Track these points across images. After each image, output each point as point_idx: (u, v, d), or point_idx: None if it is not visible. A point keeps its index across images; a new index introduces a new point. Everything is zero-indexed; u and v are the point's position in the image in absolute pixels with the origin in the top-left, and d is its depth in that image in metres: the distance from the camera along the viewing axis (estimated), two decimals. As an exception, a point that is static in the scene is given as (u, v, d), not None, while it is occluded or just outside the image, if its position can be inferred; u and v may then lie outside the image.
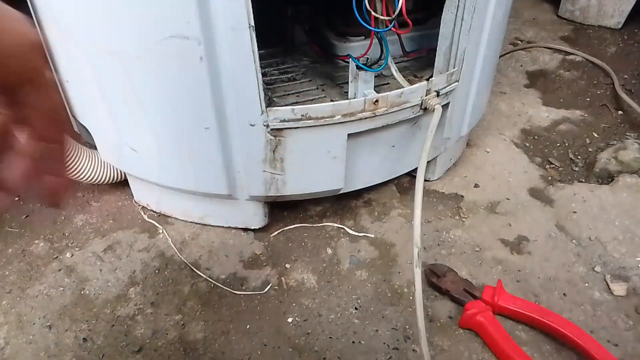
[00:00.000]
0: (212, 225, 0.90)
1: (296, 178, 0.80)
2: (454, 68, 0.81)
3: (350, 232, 0.89)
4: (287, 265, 0.83)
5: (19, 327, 0.72)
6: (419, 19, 1.00)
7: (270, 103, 0.82)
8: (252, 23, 0.62)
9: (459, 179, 1.03)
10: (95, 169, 0.90)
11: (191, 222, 0.90)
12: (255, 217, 0.87)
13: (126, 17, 0.63)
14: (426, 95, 0.79)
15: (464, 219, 0.92)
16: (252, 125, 0.71)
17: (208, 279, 0.80)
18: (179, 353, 0.70)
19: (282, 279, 0.81)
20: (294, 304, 0.77)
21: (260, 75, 0.67)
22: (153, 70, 0.67)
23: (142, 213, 0.92)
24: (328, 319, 0.75)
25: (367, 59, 0.87)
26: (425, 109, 0.80)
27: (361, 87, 0.80)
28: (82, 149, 0.88)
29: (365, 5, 0.74)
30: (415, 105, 0.79)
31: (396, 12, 0.72)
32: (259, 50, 0.65)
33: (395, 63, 0.87)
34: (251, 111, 0.70)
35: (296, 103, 0.85)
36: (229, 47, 0.63)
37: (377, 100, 0.74)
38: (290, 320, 0.75)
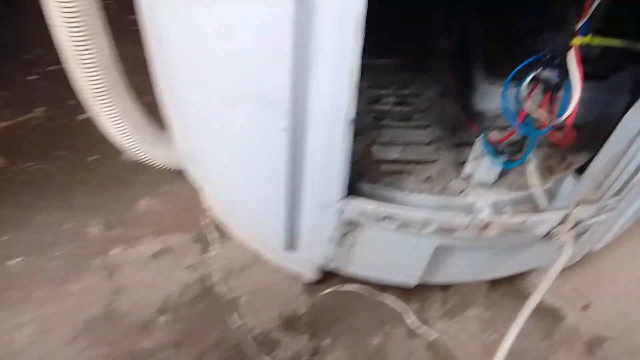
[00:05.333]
0: (266, 260, 0.81)
1: (363, 265, 0.68)
2: (612, 197, 0.60)
3: (410, 321, 0.77)
4: (327, 341, 0.74)
5: (45, 331, 0.70)
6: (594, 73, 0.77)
7: (360, 170, 0.66)
8: (353, 117, 0.47)
9: (568, 288, 0.83)
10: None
11: (248, 245, 0.83)
12: (311, 270, 0.78)
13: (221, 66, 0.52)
14: (559, 225, 0.60)
15: (550, 354, 0.75)
16: (325, 206, 0.59)
17: (239, 328, 0.73)
18: (185, 408, 0.66)
19: (316, 358, 0.72)
20: (317, 394, 0.69)
21: (348, 168, 0.53)
22: (235, 120, 0.56)
23: (204, 216, 0.86)
24: None
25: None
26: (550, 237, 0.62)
27: (480, 174, 0.63)
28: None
29: (521, 94, 0.55)
30: (538, 234, 0.61)
31: (561, 119, 0.53)
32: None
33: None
34: (327, 195, 0.57)
35: (395, 162, 0.70)
36: (319, 134, 0.50)
37: (488, 224, 0.58)
38: (307, 413, 0.67)
